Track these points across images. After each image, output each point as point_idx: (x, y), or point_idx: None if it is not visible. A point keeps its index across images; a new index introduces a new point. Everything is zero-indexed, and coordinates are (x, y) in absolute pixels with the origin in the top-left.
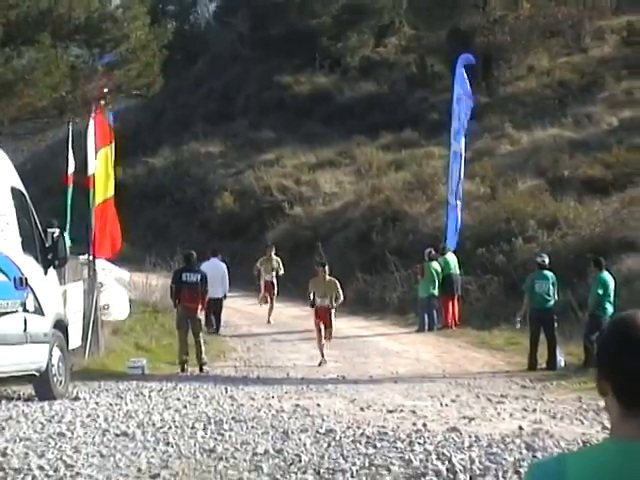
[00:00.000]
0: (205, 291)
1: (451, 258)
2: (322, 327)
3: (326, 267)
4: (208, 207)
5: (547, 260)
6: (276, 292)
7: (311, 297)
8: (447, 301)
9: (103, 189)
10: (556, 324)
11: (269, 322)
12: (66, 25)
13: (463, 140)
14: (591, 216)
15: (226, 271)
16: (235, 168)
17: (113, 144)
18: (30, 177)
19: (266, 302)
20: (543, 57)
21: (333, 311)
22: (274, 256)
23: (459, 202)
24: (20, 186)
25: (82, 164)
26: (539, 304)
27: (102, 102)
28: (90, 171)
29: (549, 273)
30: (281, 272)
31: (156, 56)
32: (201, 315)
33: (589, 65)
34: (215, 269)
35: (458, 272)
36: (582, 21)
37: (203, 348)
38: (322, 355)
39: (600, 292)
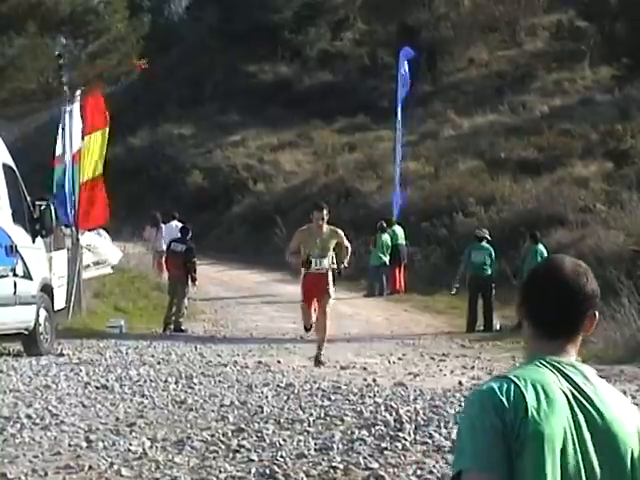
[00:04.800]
0: (189, 261)
1: (399, 230)
2: (314, 302)
3: (324, 211)
4: (180, 183)
5: (487, 234)
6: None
7: (291, 258)
8: (395, 269)
9: (94, 167)
10: (494, 291)
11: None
12: (53, 17)
13: (399, 124)
14: (524, 194)
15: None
16: (205, 148)
17: (108, 128)
18: (20, 155)
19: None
20: (482, 50)
21: (330, 275)
22: None
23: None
24: (11, 163)
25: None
26: (475, 272)
27: (89, 87)
28: (74, 149)
29: (486, 245)
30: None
31: (134, 46)
32: (188, 282)
33: (523, 58)
34: (175, 229)
35: (405, 243)
36: (517, 18)
37: (181, 312)
38: (318, 350)
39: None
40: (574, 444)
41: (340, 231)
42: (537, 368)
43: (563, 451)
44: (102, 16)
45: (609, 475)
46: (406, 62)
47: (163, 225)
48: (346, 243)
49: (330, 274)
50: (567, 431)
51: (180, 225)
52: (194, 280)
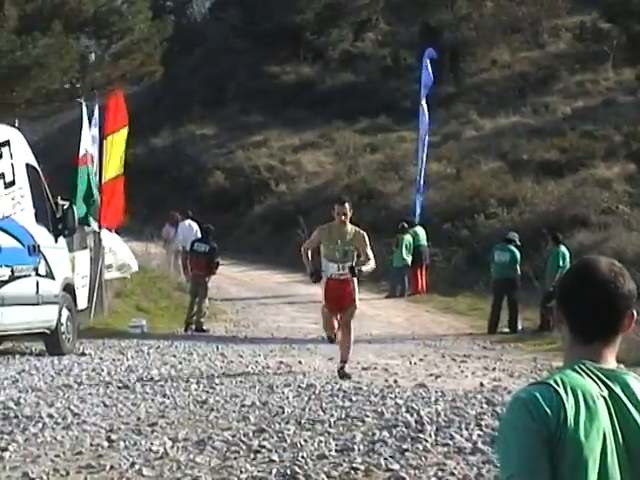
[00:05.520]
0: (212, 261)
1: (420, 231)
2: (336, 310)
3: (347, 205)
4: (202, 183)
5: (517, 238)
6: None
7: (306, 260)
8: (416, 270)
9: (114, 167)
10: (518, 292)
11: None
12: (76, 18)
13: (424, 125)
14: (546, 195)
15: (197, 227)
16: (227, 149)
17: (127, 128)
18: (44, 155)
19: None
20: (505, 52)
21: (356, 281)
22: None
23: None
24: (34, 163)
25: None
26: (497, 273)
27: (111, 87)
28: (93, 150)
29: (510, 246)
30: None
31: (157, 47)
32: (208, 282)
33: (546, 59)
34: (190, 227)
35: (426, 244)
36: (540, 20)
37: (202, 312)
38: (342, 361)
39: (561, 264)
40: (612, 451)
41: (366, 236)
42: (577, 374)
43: (602, 457)
44: (125, 17)
45: None
46: (429, 62)
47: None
48: (369, 253)
49: (355, 282)
50: (607, 437)
51: (194, 224)
52: (212, 273)
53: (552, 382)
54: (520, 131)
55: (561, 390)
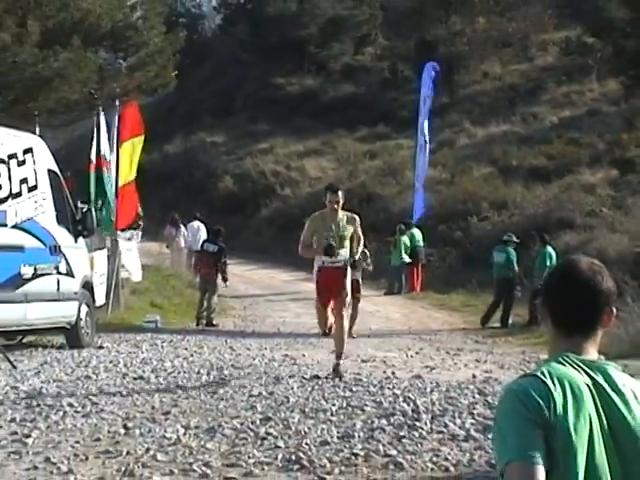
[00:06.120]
0: (219, 260)
1: (417, 232)
2: (329, 300)
3: (340, 193)
4: (212, 188)
5: (513, 238)
6: (360, 293)
7: (306, 253)
8: (413, 269)
9: (128, 173)
10: (515, 292)
11: (351, 336)
12: (95, 33)
13: (427, 133)
14: (535, 199)
15: (203, 227)
16: (235, 155)
17: (143, 135)
18: (64, 161)
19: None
20: (496, 65)
21: (349, 272)
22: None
23: (420, 186)
24: (56, 168)
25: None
26: (496, 273)
27: (127, 98)
28: (109, 156)
29: (508, 248)
30: (369, 267)
31: (170, 60)
32: (217, 280)
33: (534, 72)
34: (198, 228)
35: (422, 244)
36: (528, 35)
37: (212, 308)
38: (337, 357)
39: (548, 264)
40: (598, 436)
41: (357, 218)
42: (561, 365)
43: (590, 443)
44: (141, 31)
45: (630, 467)
46: (433, 74)
47: (182, 225)
48: (360, 234)
49: (348, 268)
50: (592, 423)
51: (201, 225)
52: (225, 279)
53: (539, 374)
54: (510, 139)
55: (548, 381)
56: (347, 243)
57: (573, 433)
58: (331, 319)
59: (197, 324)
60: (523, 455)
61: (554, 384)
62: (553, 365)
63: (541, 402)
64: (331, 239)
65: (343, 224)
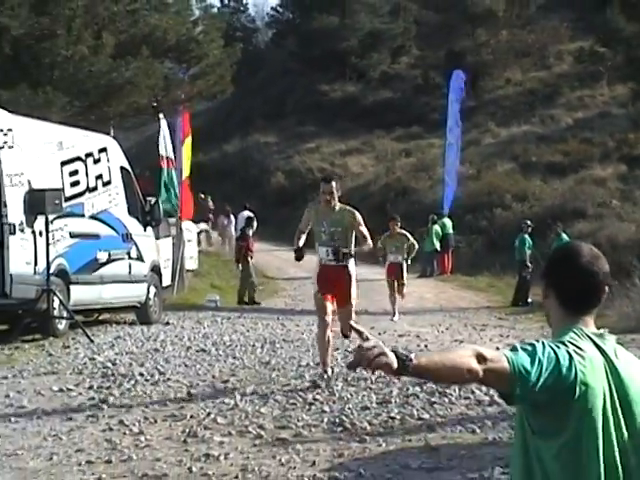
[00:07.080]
0: (237, 244)
1: (448, 222)
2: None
3: (334, 183)
4: (265, 183)
5: (527, 223)
6: (405, 279)
7: (296, 243)
8: (443, 254)
9: (186, 169)
10: (525, 273)
11: (392, 320)
12: (161, 45)
13: (456, 133)
14: (552, 191)
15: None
16: (286, 154)
17: (190, 138)
18: (135, 159)
19: (393, 292)
20: (517, 72)
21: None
22: (400, 230)
23: (450, 180)
24: (127, 165)
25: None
26: (516, 257)
27: (187, 104)
28: (173, 154)
29: (522, 234)
30: (412, 254)
31: (228, 70)
32: (249, 262)
33: (551, 78)
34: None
35: (452, 232)
36: (546, 45)
37: (252, 288)
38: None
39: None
40: (610, 400)
41: (357, 213)
42: (577, 336)
43: (603, 405)
44: (202, 44)
45: (633, 431)
46: (463, 82)
47: (233, 215)
48: (364, 232)
49: (352, 270)
50: (604, 389)
51: (251, 214)
52: (247, 257)
53: (564, 342)
54: (530, 138)
55: (570, 348)
56: (344, 241)
57: (592, 394)
58: (329, 333)
59: (239, 302)
60: (552, 361)
61: (575, 352)
62: (571, 335)
63: (569, 365)
64: (318, 241)
65: (337, 219)
